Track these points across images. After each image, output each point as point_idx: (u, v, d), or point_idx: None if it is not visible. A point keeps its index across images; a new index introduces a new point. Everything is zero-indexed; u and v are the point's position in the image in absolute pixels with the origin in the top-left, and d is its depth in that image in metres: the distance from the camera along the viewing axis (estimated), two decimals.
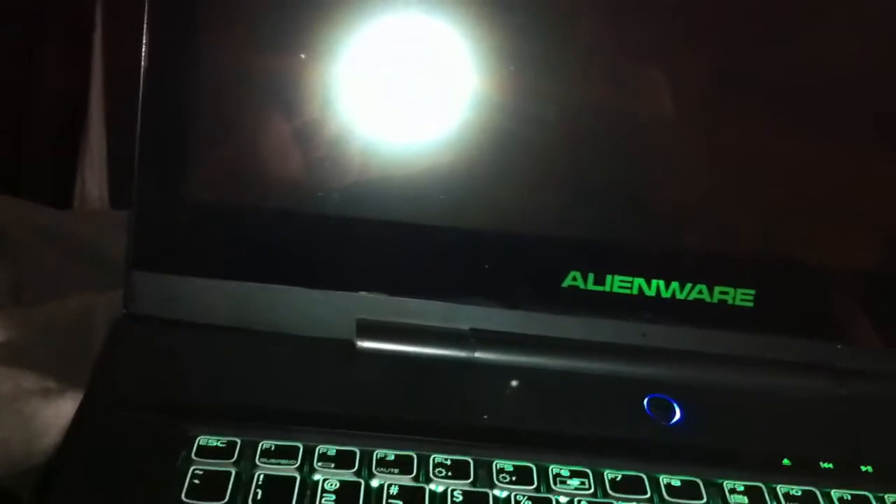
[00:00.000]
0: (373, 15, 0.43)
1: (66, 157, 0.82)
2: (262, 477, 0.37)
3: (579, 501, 0.38)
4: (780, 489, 0.40)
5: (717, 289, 0.47)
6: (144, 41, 0.43)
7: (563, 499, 0.39)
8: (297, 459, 0.38)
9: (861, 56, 0.46)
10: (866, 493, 0.41)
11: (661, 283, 0.47)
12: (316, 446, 0.39)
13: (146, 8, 0.43)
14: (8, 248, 0.58)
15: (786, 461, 0.42)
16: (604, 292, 0.46)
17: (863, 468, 0.42)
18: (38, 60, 0.82)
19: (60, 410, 0.43)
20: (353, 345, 0.45)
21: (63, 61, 0.82)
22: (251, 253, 0.46)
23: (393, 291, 0.46)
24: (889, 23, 0.46)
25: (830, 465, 0.42)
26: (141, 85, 0.43)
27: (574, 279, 0.46)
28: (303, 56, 0.43)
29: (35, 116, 0.83)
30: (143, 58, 0.43)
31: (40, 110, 0.83)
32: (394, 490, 0.37)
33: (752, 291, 0.47)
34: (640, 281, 0.46)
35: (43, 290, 0.55)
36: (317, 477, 0.38)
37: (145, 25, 0.43)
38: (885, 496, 0.41)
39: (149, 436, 0.39)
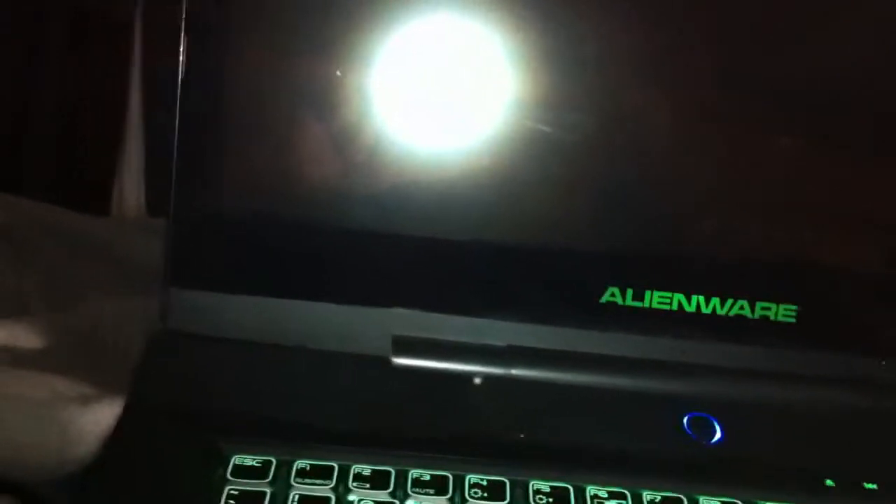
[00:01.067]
0: (411, 24, 0.43)
1: (104, 165, 0.82)
2: (297, 497, 0.37)
3: None
4: None
5: (758, 304, 0.46)
6: (181, 52, 0.43)
7: None
8: (332, 479, 0.38)
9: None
10: None
11: (702, 298, 0.46)
12: (351, 466, 0.39)
13: (183, 16, 0.43)
14: (40, 254, 0.58)
15: (829, 482, 0.41)
16: (643, 308, 0.46)
17: None
18: (77, 68, 0.82)
19: (97, 417, 0.43)
20: (389, 361, 0.45)
21: (103, 69, 0.82)
22: (287, 269, 0.46)
23: (429, 307, 0.46)
24: None
25: (874, 486, 0.42)
26: (178, 99, 0.43)
27: (612, 295, 0.46)
28: (338, 73, 0.43)
29: (73, 124, 0.84)
30: (180, 70, 0.43)
31: (80, 117, 0.84)
32: None
33: (795, 307, 0.46)
34: (679, 296, 0.46)
35: (75, 295, 0.55)
36: (352, 497, 0.38)
37: (182, 36, 0.43)
38: None
39: (185, 453, 0.39)
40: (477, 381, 0.43)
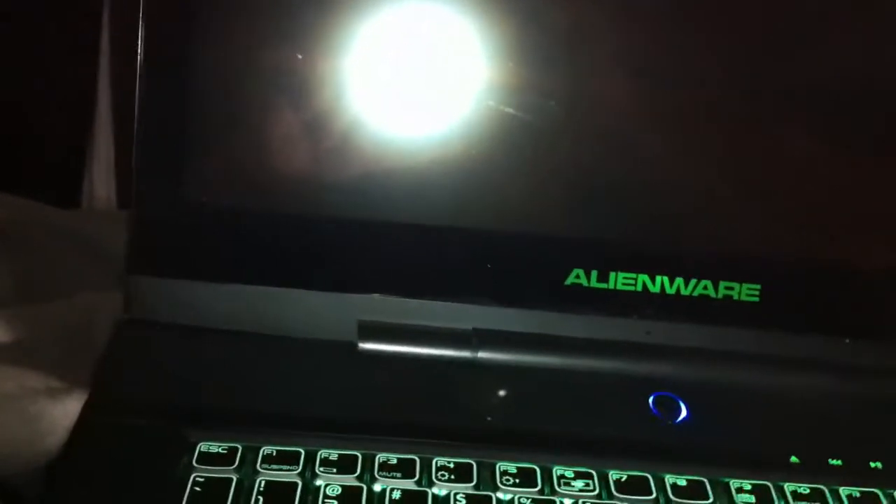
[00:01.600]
0: (377, 9, 0.43)
1: (72, 157, 0.82)
2: (263, 483, 0.37)
3: (584, 503, 0.38)
4: (788, 487, 0.40)
5: (722, 284, 0.46)
6: (140, 37, 0.42)
7: (567, 501, 0.38)
8: (298, 465, 0.38)
9: (864, 52, 0.45)
10: (876, 490, 0.40)
11: (666, 279, 0.46)
12: (318, 451, 0.39)
13: (142, 2, 0.42)
14: (12, 246, 0.57)
15: (793, 459, 0.42)
16: (607, 290, 0.46)
17: (872, 465, 0.42)
18: (42, 59, 0.81)
19: (67, 410, 0.43)
20: (355, 346, 0.45)
21: (68, 60, 0.81)
22: (251, 255, 0.45)
23: (394, 292, 0.46)
24: None
25: (839, 463, 0.42)
26: (138, 85, 0.43)
27: (577, 277, 0.46)
28: (300, 56, 0.43)
29: (39, 115, 0.83)
30: (139, 55, 0.42)
31: (45, 109, 0.83)
32: (396, 495, 0.37)
33: (758, 286, 0.46)
34: (644, 277, 0.46)
35: (48, 288, 0.55)
36: (319, 482, 0.38)
37: (141, 21, 0.42)
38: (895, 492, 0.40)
39: (150, 441, 0.39)
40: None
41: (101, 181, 0.81)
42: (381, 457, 0.39)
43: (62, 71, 0.81)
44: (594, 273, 0.46)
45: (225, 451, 0.38)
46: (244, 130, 0.45)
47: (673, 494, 0.39)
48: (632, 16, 0.44)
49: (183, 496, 0.36)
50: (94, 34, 0.79)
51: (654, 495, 0.39)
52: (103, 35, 0.80)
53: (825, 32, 0.45)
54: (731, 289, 0.46)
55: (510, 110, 0.44)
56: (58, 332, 0.49)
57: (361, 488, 0.37)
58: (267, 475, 0.37)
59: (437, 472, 0.38)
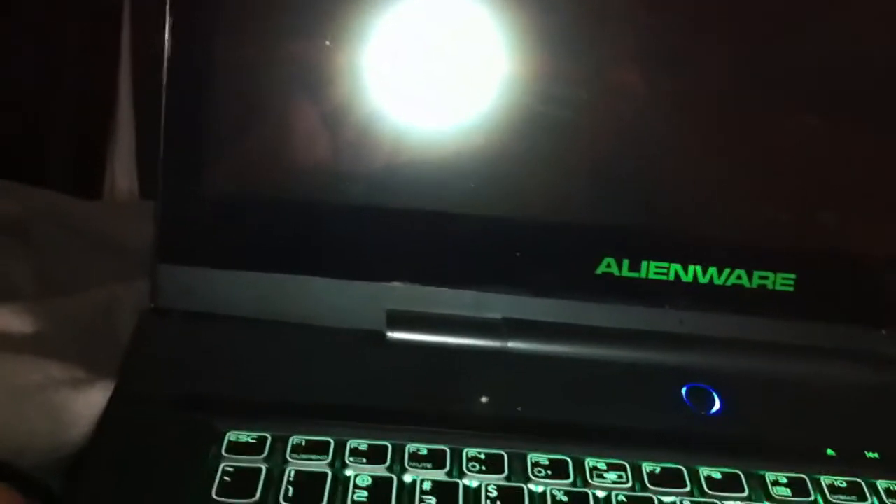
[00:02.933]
0: (403, 1, 0.42)
1: (94, 150, 0.82)
2: (292, 473, 0.37)
3: (617, 496, 0.37)
4: (825, 480, 0.39)
5: (756, 274, 0.46)
6: (167, 30, 0.42)
7: (600, 493, 0.38)
8: (328, 455, 0.37)
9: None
10: None
11: (699, 268, 0.45)
12: (347, 441, 0.38)
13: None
14: (33, 239, 0.57)
15: (829, 451, 0.41)
16: (639, 279, 0.45)
17: None
18: (63, 52, 0.81)
19: (90, 400, 0.43)
20: (384, 336, 0.44)
21: (89, 52, 0.81)
22: (278, 243, 0.45)
23: (423, 281, 0.45)
24: None
25: (876, 455, 0.41)
26: (164, 76, 0.43)
27: (608, 266, 0.45)
28: (328, 43, 0.43)
29: (61, 108, 0.83)
30: (165, 47, 0.42)
31: (66, 102, 0.83)
32: (427, 485, 0.37)
33: (793, 276, 0.46)
34: (676, 267, 0.45)
35: (68, 280, 0.55)
36: (348, 472, 0.37)
37: (167, 14, 0.42)
38: None
39: (178, 431, 0.38)
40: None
41: (123, 173, 0.81)
42: (411, 447, 0.38)
43: (83, 65, 0.81)
44: (625, 262, 0.45)
45: (254, 441, 0.38)
46: (270, 120, 0.44)
47: (708, 487, 0.38)
48: (654, 2, 0.43)
49: (212, 486, 0.36)
50: (114, 29, 0.80)
51: (688, 488, 0.38)
52: (123, 30, 0.80)
53: (859, 23, 0.44)
54: (766, 278, 0.46)
55: (539, 99, 0.43)
56: (79, 324, 0.49)
57: (391, 479, 0.37)
58: (296, 465, 0.37)
59: (468, 463, 0.38)
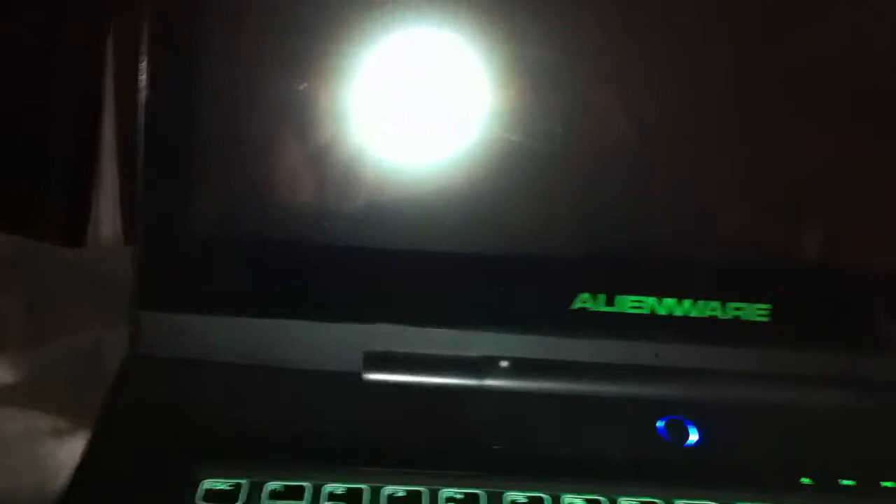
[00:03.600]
0: (380, 39, 0.43)
1: (78, 196, 0.82)
2: None
3: None
4: None
5: (730, 305, 0.46)
6: (144, 70, 0.42)
7: None
8: (304, 500, 0.38)
9: (876, 58, 0.45)
10: None
11: (674, 301, 0.46)
12: (324, 485, 0.38)
13: (145, 35, 0.42)
14: (19, 285, 0.58)
15: (805, 480, 0.41)
16: (615, 313, 0.46)
17: (884, 484, 0.41)
18: (46, 97, 0.82)
19: (75, 450, 0.43)
20: (361, 377, 0.44)
21: (72, 99, 0.82)
22: (257, 287, 0.45)
23: (400, 321, 0.45)
24: None
25: (851, 483, 0.41)
26: (141, 117, 0.43)
27: (584, 301, 0.45)
28: (304, 85, 0.43)
29: (44, 154, 0.83)
30: (142, 89, 0.42)
31: (49, 149, 0.83)
32: None
33: (768, 306, 0.46)
34: (651, 300, 0.46)
35: (55, 326, 0.55)
36: None
37: (145, 53, 0.42)
38: None
39: (154, 479, 0.38)
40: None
41: (108, 220, 0.81)
42: (387, 490, 0.38)
43: (66, 111, 0.81)
44: (601, 297, 0.46)
45: (230, 488, 0.38)
46: (247, 163, 0.45)
47: None
48: (630, 38, 0.44)
49: None
50: (97, 73, 0.80)
51: None
52: (107, 73, 0.80)
53: (832, 47, 0.45)
54: (741, 309, 0.46)
55: (511, 135, 0.44)
56: (64, 372, 0.49)
57: None
58: None
59: None
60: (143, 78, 0.43)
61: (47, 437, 0.44)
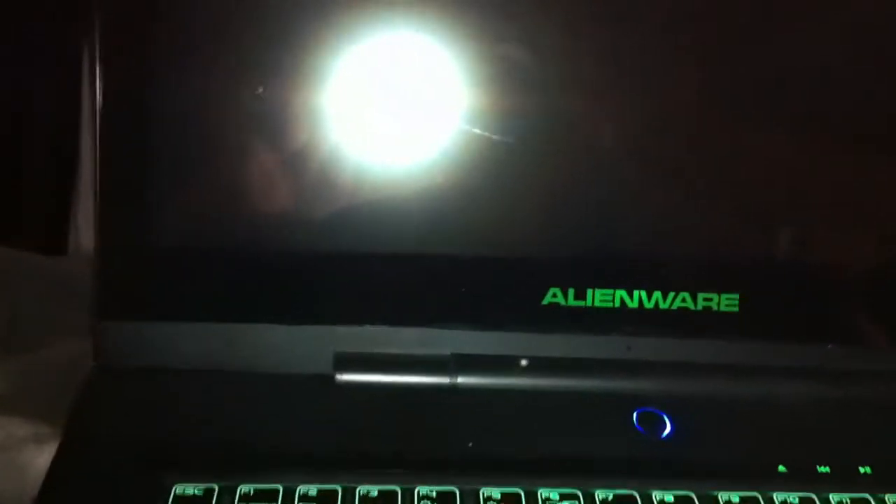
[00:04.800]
0: (344, 44, 0.43)
1: (59, 205, 0.81)
2: None
3: None
4: (777, 497, 0.39)
5: (700, 296, 0.46)
6: (97, 80, 0.42)
7: None
8: (277, 503, 0.37)
9: (846, 55, 0.45)
10: (865, 495, 0.40)
11: (644, 293, 0.46)
12: (296, 487, 0.38)
13: (96, 42, 0.42)
14: (0, 294, 0.57)
15: (781, 468, 0.41)
16: (585, 307, 0.45)
17: (861, 470, 0.41)
18: (26, 107, 0.81)
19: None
20: (333, 378, 0.44)
21: (52, 109, 0.81)
22: (221, 293, 0.45)
23: (370, 321, 0.45)
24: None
25: (827, 469, 0.41)
26: (97, 124, 0.42)
27: (554, 296, 0.45)
28: (260, 89, 0.42)
29: (22, 166, 0.82)
30: (97, 98, 0.42)
31: (27, 160, 0.82)
32: None
33: (737, 296, 0.46)
34: (621, 293, 0.45)
35: (33, 335, 0.54)
36: None
37: (98, 58, 0.42)
38: (886, 497, 0.40)
39: (124, 488, 0.38)
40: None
41: (87, 228, 0.80)
42: (361, 489, 0.38)
43: (46, 120, 0.80)
44: (571, 291, 0.45)
45: (200, 493, 0.37)
46: (206, 168, 0.44)
47: None
48: (602, 37, 0.44)
49: None
50: (76, 82, 0.79)
51: None
52: (84, 83, 0.79)
53: (803, 38, 0.45)
54: (710, 300, 0.46)
55: (475, 132, 0.44)
56: (43, 380, 0.49)
57: None
58: None
59: (419, 502, 0.38)
60: (98, 85, 0.42)
61: (28, 445, 0.44)
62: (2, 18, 0.76)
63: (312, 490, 0.38)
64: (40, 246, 0.71)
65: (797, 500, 0.39)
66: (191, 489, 0.37)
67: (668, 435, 0.43)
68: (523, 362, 0.44)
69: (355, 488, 0.38)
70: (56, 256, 0.71)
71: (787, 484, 0.40)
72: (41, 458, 0.43)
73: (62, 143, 0.79)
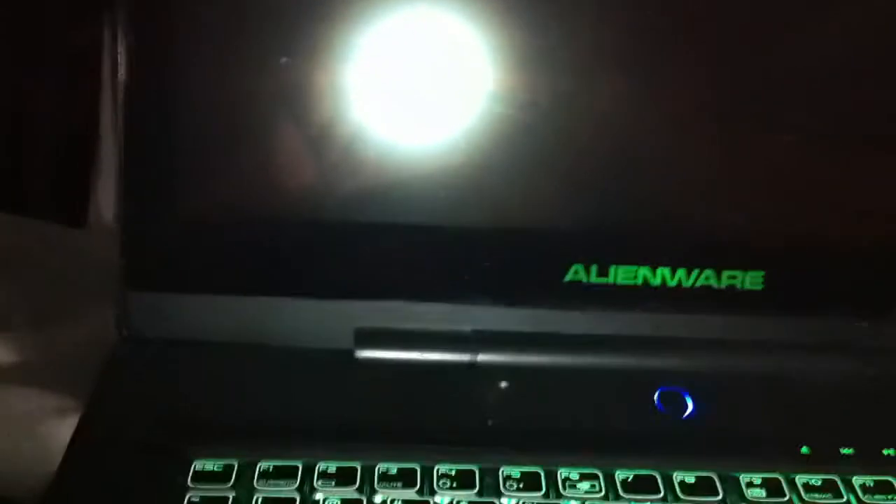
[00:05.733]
0: (366, 21, 0.42)
1: (78, 176, 0.81)
2: (260, 500, 0.36)
3: None
4: (799, 479, 0.39)
5: (724, 273, 0.45)
6: (124, 47, 0.42)
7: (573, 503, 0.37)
8: (296, 479, 0.37)
9: (858, 46, 0.44)
10: (889, 478, 0.39)
11: (667, 270, 0.45)
12: (316, 463, 0.38)
13: (125, 17, 0.41)
14: (18, 268, 0.57)
15: (804, 449, 0.41)
16: (608, 284, 0.45)
17: (885, 452, 0.41)
18: (45, 79, 0.81)
19: None
20: (353, 354, 0.44)
21: (72, 79, 0.81)
22: (245, 266, 0.45)
23: (391, 296, 0.45)
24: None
25: (851, 451, 0.41)
26: (123, 100, 0.42)
27: (576, 273, 0.45)
28: (283, 59, 0.42)
29: (43, 135, 0.82)
30: (122, 71, 0.42)
31: (47, 130, 0.82)
32: None
33: (762, 273, 0.45)
34: (644, 270, 0.45)
35: (55, 308, 0.55)
36: (318, 496, 0.37)
37: (124, 32, 0.41)
38: None
39: (146, 461, 0.38)
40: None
41: (107, 201, 0.81)
42: (380, 467, 0.38)
43: (66, 92, 0.81)
44: (594, 268, 0.45)
45: (220, 469, 0.37)
46: (232, 141, 0.44)
47: (681, 492, 0.38)
48: (623, 14, 0.43)
49: None
50: (96, 55, 0.79)
51: (661, 494, 0.38)
52: (105, 56, 0.79)
53: (813, 24, 0.44)
54: (735, 277, 0.45)
55: (503, 107, 0.43)
56: (66, 352, 0.49)
57: (361, 500, 0.37)
58: (264, 492, 0.37)
59: (438, 481, 0.38)
60: (125, 58, 0.42)
61: (50, 416, 0.44)
62: None
63: (332, 467, 0.38)
64: (60, 218, 0.72)
65: (820, 481, 0.39)
66: (211, 465, 0.37)
67: (689, 414, 0.42)
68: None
69: (375, 465, 0.38)
70: (76, 228, 0.72)
71: (809, 465, 0.40)
72: (64, 430, 0.43)
73: (81, 115, 0.79)
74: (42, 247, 0.60)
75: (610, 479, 0.38)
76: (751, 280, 0.45)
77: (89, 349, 0.49)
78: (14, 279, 0.56)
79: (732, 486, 0.39)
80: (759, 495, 0.38)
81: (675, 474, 0.39)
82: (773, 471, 0.39)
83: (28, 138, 0.81)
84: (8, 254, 0.58)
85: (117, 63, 0.67)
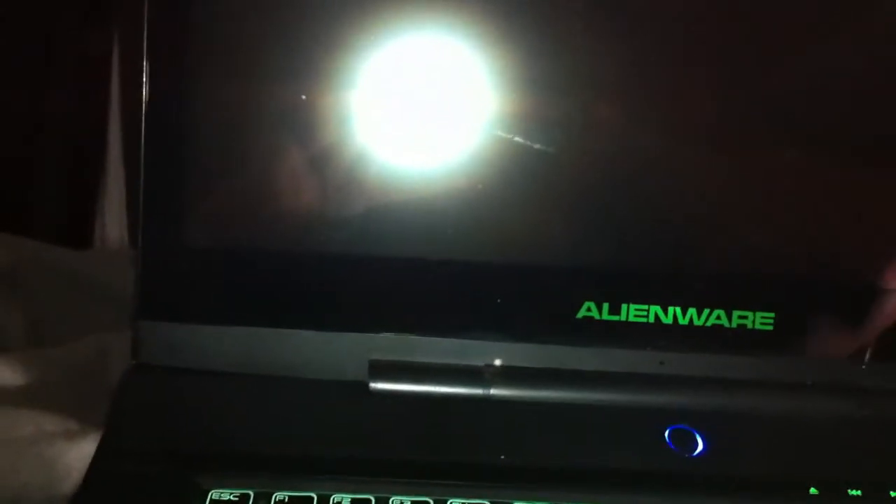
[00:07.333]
0: (375, 48, 0.43)
1: (83, 198, 0.82)
2: None
3: None
4: None
5: (735, 313, 0.46)
6: (145, 79, 0.42)
7: None
8: None
9: (875, 75, 0.45)
10: None
11: (678, 309, 0.46)
12: (330, 495, 0.38)
13: (145, 45, 0.42)
14: (22, 289, 0.58)
15: (812, 490, 0.41)
16: (620, 322, 0.46)
17: (893, 494, 0.41)
18: (51, 98, 0.82)
19: (83, 452, 0.43)
20: (367, 386, 0.44)
21: (77, 99, 0.82)
22: (259, 297, 0.45)
23: (405, 330, 0.45)
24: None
25: (858, 492, 0.41)
26: (143, 128, 0.43)
27: (589, 310, 0.45)
28: (303, 97, 0.43)
29: (49, 156, 0.83)
30: (143, 101, 0.42)
31: (54, 150, 0.83)
32: None
33: (772, 314, 0.46)
34: (656, 308, 0.46)
35: (60, 330, 0.55)
36: None
37: (145, 64, 0.42)
38: None
39: (160, 490, 0.38)
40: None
41: (114, 222, 0.81)
42: (394, 499, 0.38)
43: (73, 113, 0.81)
44: (605, 305, 0.45)
45: (236, 499, 0.38)
46: (247, 173, 0.44)
47: None
48: (634, 44, 0.44)
49: None
50: (104, 78, 0.80)
51: None
52: (113, 78, 0.80)
53: (832, 56, 0.45)
54: (745, 317, 0.46)
55: (515, 141, 0.44)
56: (72, 374, 0.49)
57: None
58: None
59: None
60: (144, 89, 0.42)
61: (56, 439, 0.44)
62: (28, 17, 0.77)
63: (346, 499, 0.38)
64: (64, 239, 0.72)
65: None
66: (227, 495, 0.38)
67: (700, 453, 0.43)
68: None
69: (388, 498, 0.38)
70: (82, 250, 0.72)
71: None
72: (70, 453, 0.43)
73: (88, 139, 0.80)
74: (43, 268, 0.60)
75: None
76: (761, 320, 0.46)
77: (94, 371, 0.50)
78: (17, 299, 0.56)
79: None
80: None
81: None
82: None
83: (35, 161, 0.81)
84: (12, 273, 0.58)
85: (127, 96, 0.68)
